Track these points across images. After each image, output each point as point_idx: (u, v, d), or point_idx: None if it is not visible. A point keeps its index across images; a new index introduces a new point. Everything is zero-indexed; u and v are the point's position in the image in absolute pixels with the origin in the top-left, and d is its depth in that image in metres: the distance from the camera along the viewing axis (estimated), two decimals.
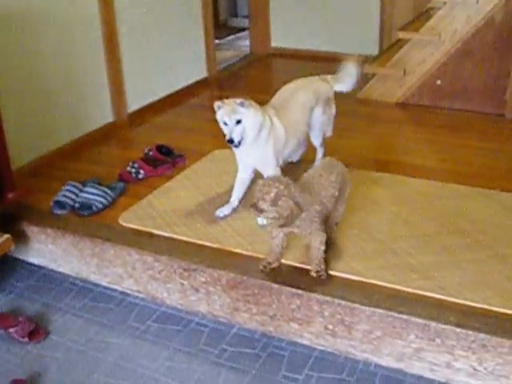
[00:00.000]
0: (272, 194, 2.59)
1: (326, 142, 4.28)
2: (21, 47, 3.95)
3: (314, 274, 2.86)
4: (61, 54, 4.26)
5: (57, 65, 4.25)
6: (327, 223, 2.98)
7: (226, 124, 3.22)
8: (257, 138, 3.28)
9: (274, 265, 2.95)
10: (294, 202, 2.64)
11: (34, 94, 4.10)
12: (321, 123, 3.78)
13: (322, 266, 2.87)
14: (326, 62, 6.43)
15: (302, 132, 3.65)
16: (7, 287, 3.52)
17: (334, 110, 3.88)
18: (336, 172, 2.96)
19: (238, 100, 3.21)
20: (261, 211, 2.64)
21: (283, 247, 2.93)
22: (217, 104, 3.24)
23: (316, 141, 3.89)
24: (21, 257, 3.61)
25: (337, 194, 2.92)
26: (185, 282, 3.10)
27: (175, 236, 3.27)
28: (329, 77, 3.87)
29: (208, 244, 3.19)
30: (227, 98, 3.28)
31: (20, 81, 3.98)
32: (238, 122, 3.19)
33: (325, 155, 3.83)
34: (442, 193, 3.60)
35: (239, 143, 3.22)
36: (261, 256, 3.04)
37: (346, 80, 3.86)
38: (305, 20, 6.71)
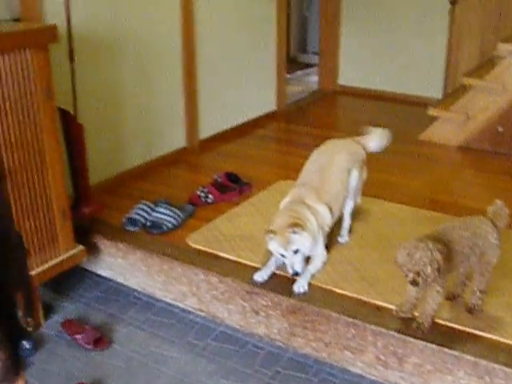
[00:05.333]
0: (436, 262, 2.57)
1: (386, 180, 4.35)
2: (100, 76, 4.14)
3: (414, 324, 2.81)
4: (140, 85, 4.47)
5: (137, 96, 4.46)
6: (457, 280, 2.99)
7: (283, 256, 3.11)
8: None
9: (406, 315, 2.88)
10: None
11: (112, 120, 4.31)
12: (355, 188, 3.52)
13: (425, 324, 2.79)
14: (390, 103, 6.56)
15: (344, 199, 3.47)
16: (75, 296, 3.70)
17: (366, 175, 3.61)
18: (472, 231, 2.77)
19: (290, 228, 3.04)
20: (422, 279, 2.60)
21: (417, 298, 2.85)
22: (268, 235, 3.08)
23: (347, 207, 3.57)
24: (90, 268, 3.78)
25: (467, 252, 2.75)
26: (246, 304, 3.21)
27: (240, 260, 3.39)
28: (358, 138, 3.62)
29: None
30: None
31: (99, 104, 4.17)
32: (296, 251, 3.09)
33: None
34: None
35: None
36: (320, 285, 3.17)
37: (376, 141, 3.64)
38: (373, 60, 6.81)
